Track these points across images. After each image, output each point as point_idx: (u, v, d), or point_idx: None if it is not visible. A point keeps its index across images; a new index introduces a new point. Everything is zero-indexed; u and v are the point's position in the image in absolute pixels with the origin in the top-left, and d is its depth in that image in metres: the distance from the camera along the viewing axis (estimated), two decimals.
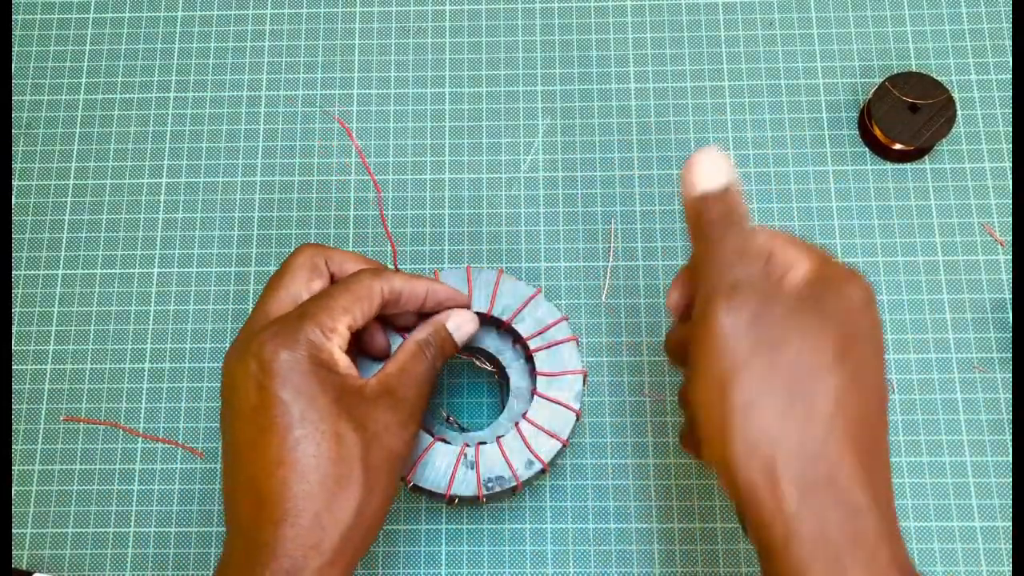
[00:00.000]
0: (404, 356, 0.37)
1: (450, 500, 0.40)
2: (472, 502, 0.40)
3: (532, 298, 0.42)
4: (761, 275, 0.33)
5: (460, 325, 0.40)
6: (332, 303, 0.35)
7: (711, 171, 0.34)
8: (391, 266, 0.50)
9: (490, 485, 0.40)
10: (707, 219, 0.34)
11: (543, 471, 0.40)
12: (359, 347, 0.40)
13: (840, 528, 0.30)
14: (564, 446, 0.41)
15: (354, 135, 0.52)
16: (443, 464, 0.40)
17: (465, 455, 0.40)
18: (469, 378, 0.48)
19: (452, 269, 0.42)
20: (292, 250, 0.49)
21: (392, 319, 0.40)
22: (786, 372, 0.31)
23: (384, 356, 0.40)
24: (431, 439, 0.40)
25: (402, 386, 0.36)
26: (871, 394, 0.32)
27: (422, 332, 0.38)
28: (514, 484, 0.40)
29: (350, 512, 0.33)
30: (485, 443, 0.41)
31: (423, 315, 0.40)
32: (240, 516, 0.33)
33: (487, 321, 0.42)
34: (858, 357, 0.32)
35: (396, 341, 0.41)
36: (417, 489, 0.40)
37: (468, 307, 0.41)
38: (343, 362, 0.35)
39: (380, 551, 0.46)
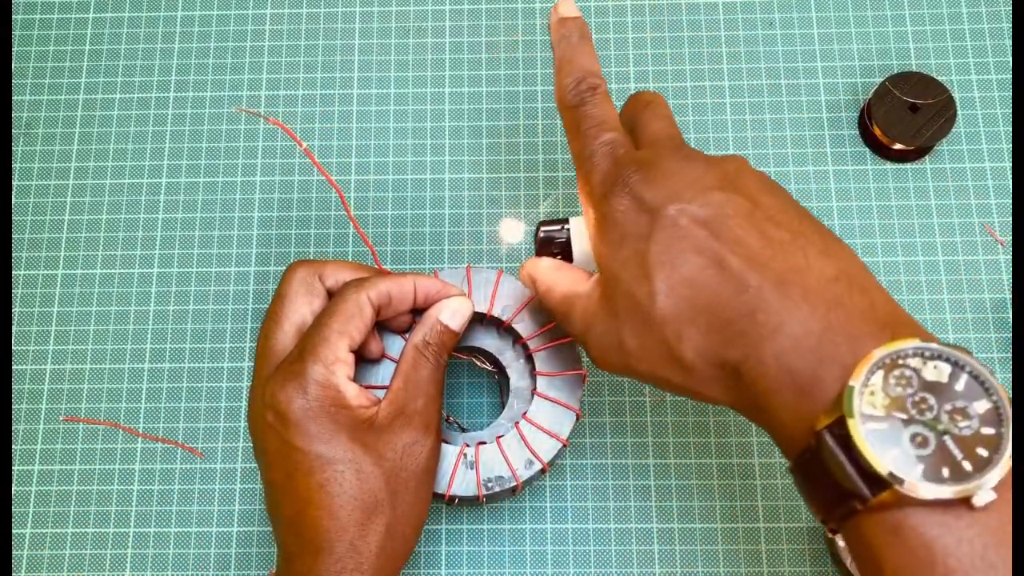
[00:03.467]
0: (405, 367, 0.37)
1: (450, 500, 0.40)
2: (472, 502, 0.40)
3: (532, 298, 0.42)
4: (629, 147, 0.35)
5: (454, 312, 0.39)
6: (327, 332, 0.36)
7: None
8: (390, 267, 0.50)
9: (490, 485, 0.39)
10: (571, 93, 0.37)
11: (543, 471, 0.40)
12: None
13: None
14: (564, 446, 0.41)
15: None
16: (443, 464, 0.40)
17: (465, 455, 0.40)
18: (469, 378, 0.48)
19: (452, 269, 0.42)
20: (291, 249, 0.50)
21: (388, 322, 0.40)
22: (689, 224, 0.31)
23: (379, 358, 0.40)
24: None
25: (410, 400, 0.37)
26: (776, 200, 0.32)
27: (417, 334, 0.38)
28: (514, 484, 0.40)
29: (381, 534, 0.35)
30: (485, 443, 0.40)
31: (420, 312, 0.40)
32: (286, 545, 0.35)
33: (487, 321, 0.42)
34: (746, 182, 0.32)
35: (394, 340, 0.41)
36: None
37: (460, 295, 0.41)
38: (351, 392, 0.36)
39: None
